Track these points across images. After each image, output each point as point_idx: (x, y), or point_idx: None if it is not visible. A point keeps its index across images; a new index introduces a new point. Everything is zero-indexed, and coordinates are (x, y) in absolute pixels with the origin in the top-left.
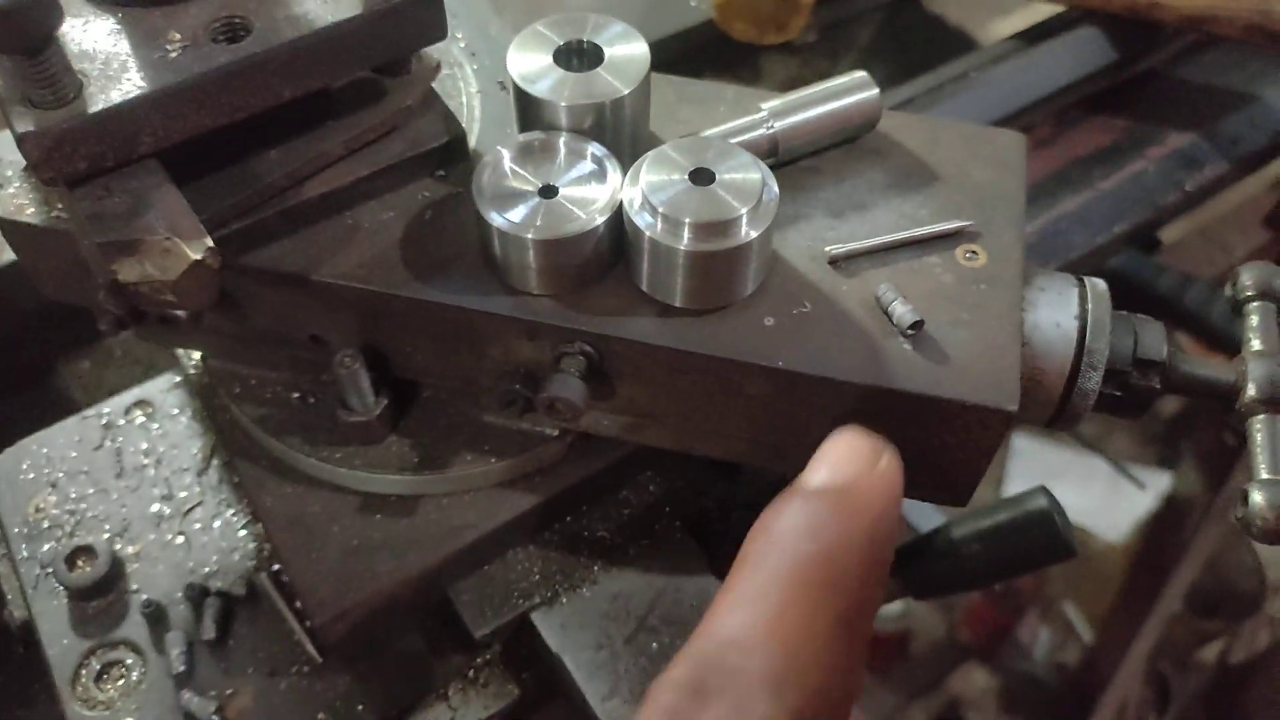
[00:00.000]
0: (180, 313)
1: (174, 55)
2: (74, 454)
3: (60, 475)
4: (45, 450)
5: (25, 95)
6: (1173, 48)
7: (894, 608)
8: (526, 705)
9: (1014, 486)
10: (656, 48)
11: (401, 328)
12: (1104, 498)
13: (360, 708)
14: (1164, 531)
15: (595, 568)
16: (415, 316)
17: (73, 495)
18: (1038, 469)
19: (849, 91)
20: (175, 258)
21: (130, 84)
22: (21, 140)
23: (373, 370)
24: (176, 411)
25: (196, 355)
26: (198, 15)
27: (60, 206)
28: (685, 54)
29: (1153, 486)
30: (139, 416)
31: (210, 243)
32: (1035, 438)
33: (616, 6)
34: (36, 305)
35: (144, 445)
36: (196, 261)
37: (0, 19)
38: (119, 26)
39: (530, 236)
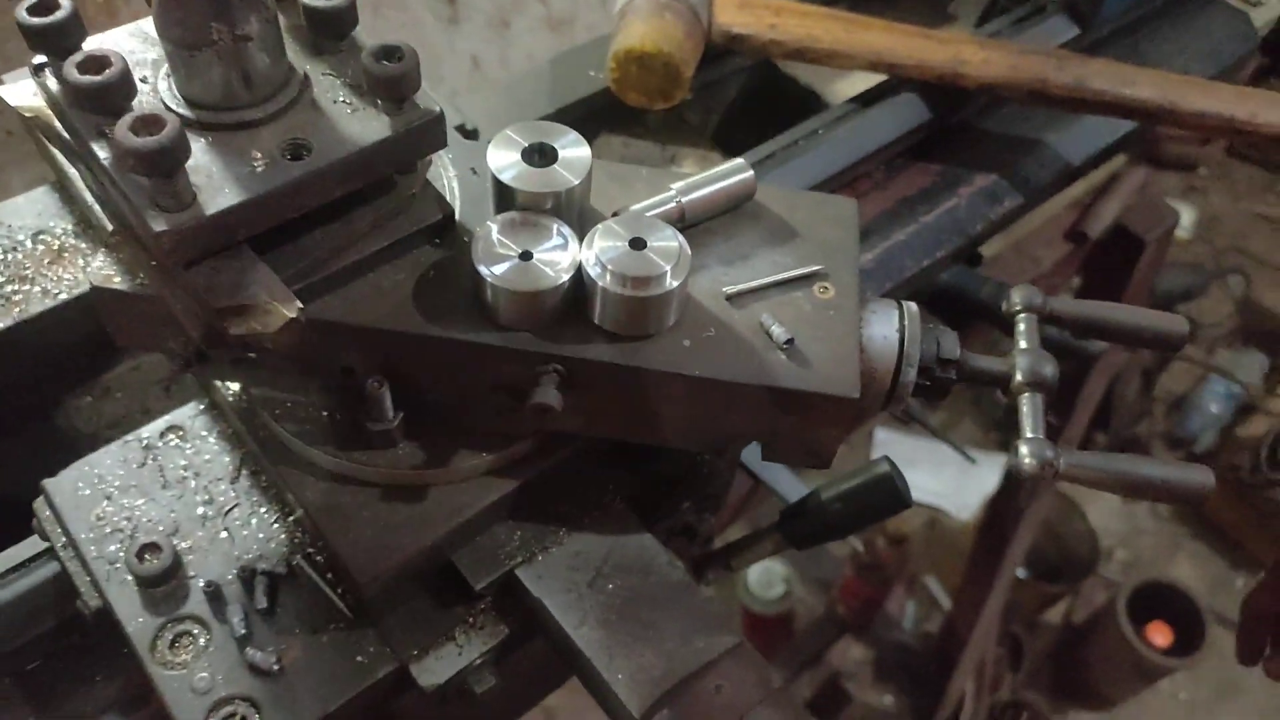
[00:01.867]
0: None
1: (259, 170)
2: (121, 472)
3: (113, 489)
4: (96, 471)
5: (156, 202)
6: (975, 106)
7: (778, 589)
8: (514, 642)
9: None
10: (565, 110)
11: (415, 358)
12: (956, 481)
13: (387, 650)
14: (1001, 504)
15: (560, 533)
16: (426, 349)
17: (126, 504)
18: (897, 457)
19: (733, 173)
20: (275, 316)
21: (231, 193)
22: (158, 237)
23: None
24: (205, 433)
25: (235, 386)
26: (270, 138)
27: (141, 276)
28: (589, 114)
29: (993, 467)
30: (173, 439)
31: (299, 304)
32: (893, 430)
33: (532, 77)
34: (41, 353)
35: (182, 461)
36: (291, 319)
37: (155, 155)
38: (213, 147)
39: (516, 289)
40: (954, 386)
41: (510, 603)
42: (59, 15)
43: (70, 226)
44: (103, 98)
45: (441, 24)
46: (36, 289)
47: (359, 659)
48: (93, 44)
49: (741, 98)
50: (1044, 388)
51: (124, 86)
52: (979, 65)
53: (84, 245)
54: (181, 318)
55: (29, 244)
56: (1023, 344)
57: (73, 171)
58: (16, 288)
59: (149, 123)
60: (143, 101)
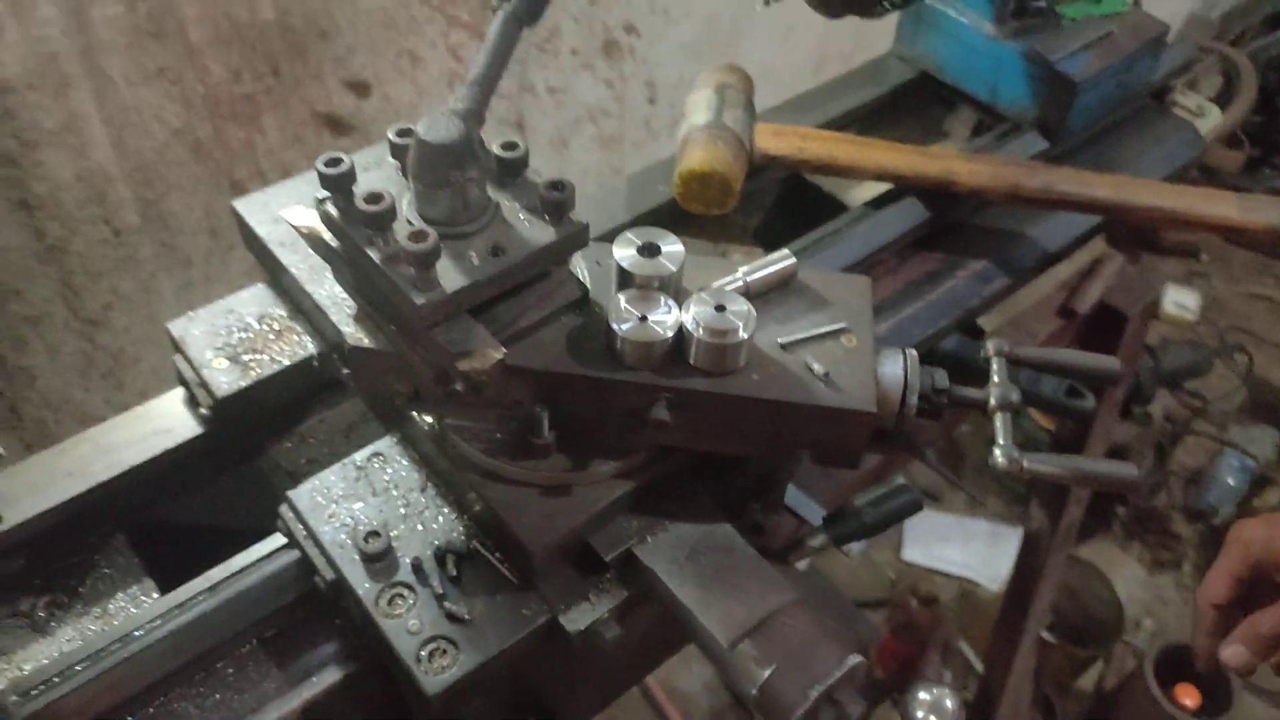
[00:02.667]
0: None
1: (476, 264)
2: (342, 484)
3: (338, 496)
4: (325, 484)
5: (416, 285)
6: (966, 207)
7: None
8: (632, 603)
9: (911, 550)
10: (640, 217)
11: (566, 391)
12: (984, 553)
13: (544, 606)
14: (1023, 565)
15: (665, 523)
16: (575, 384)
17: (348, 507)
18: (928, 533)
19: (781, 260)
20: (488, 358)
21: (461, 279)
22: (419, 308)
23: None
24: (399, 457)
25: (429, 419)
26: (480, 244)
27: (382, 335)
28: (659, 220)
29: (1019, 539)
30: (377, 462)
31: (504, 351)
32: (928, 510)
33: (608, 197)
34: (263, 407)
35: (385, 477)
36: (499, 360)
37: (424, 255)
38: (446, 247)
39: (638, 339)
40: (945, 411)
41: (630, 573)
42: (343, 168)
43: (284, 313)
44: (377, 220)
45: None
46: (265, 357)
47: (524, 612)
48: (363, 183)
49: (777, 204)
50: (1011, 408)
51: (391, 212)
52: (966, 175)
53: (297, 326)
54: (418, 366)
55: (256, 324)
56: (995, 379)
57: (293, 272)
58: (251, 357)
59: (419, 236)
60: (399, 222)
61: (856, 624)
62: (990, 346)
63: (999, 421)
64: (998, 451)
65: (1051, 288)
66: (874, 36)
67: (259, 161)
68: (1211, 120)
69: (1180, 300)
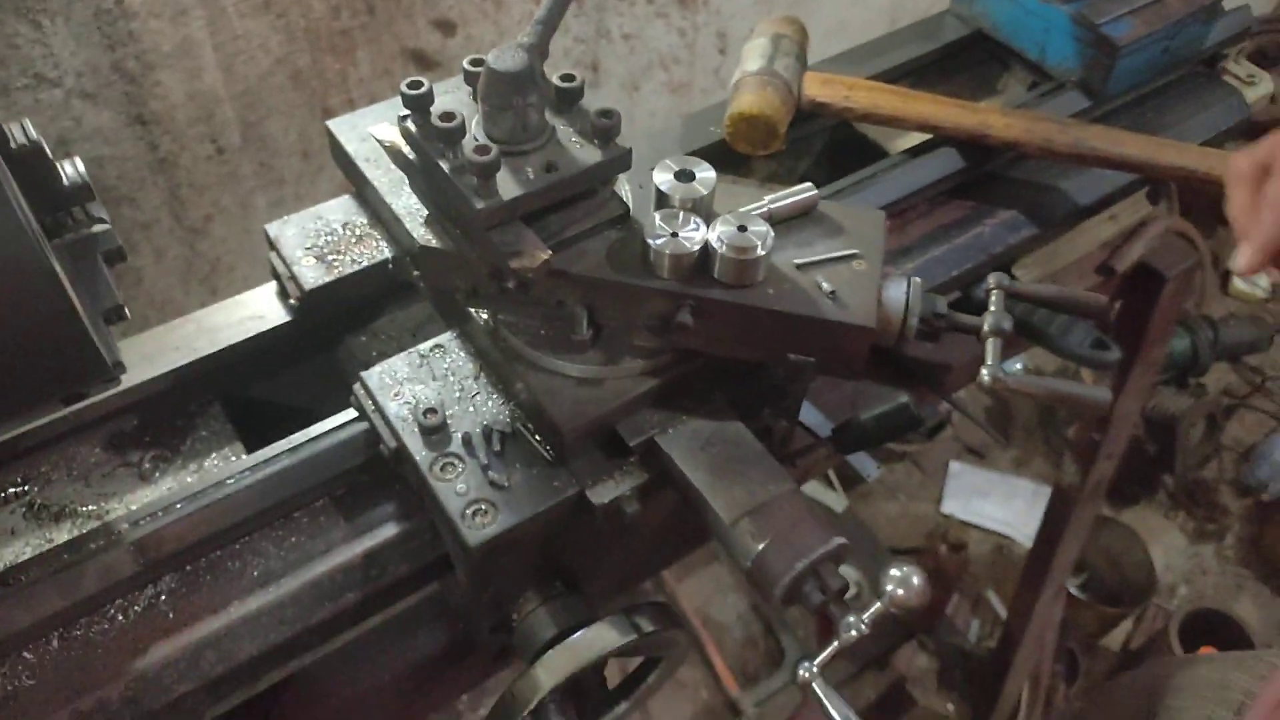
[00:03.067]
0: (523, 283)
1: (530, 178)
2: (407, 369)
3: (403, 379)
4: (392, 368)
5: (478, 193)
6: (1001, 160)
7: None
8: (651, 486)
9: (950, 503)
10: (691, 155)
11: (604, 295)
12: (1025, 511)
13: (573, 480)
14: (1051, 516)
15: (684, 418)
16: (612, 289)
17: (410, 388)
18: (969, 488)
19: (803, 191)
20: (536, 258)
21: (516, 189)
22: (479, 212)
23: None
24: (457, 349)
25: (484, 314)
26: (535, 161)
27: (449, 238)
28: (709, 158)
29: None
30: (437, 352)
31: (550, 253)
32: (967, 464)
33: (664, 134)
34: (342, 301)
35: (444, 365)
36: (545, 261)
37: (486, 166)
38: (506, 164)
39: (669, 252)
40: (942, 334)
41: (650, 459)
42: (423, 90)
43: (365, 221)
44: (448, 136)
45: (589, 88)
46: (347, 258)
47: (555, 484)
48: (439, 105)
49: (825, 149)
50: (1003, 335)
51: (461, 130)
52: (1001, 128)
53: (376, 233)
54: (476, 262)
55: (340, 230)
56: (991, 308)
57: (375, 184)
58: (335, 256)
59: (482, 150)
60: (467, 139)
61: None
62: (990, 280)
63: (990, 345)
64: (984, 371)
65: (1093, 246)
66: None
67: (350, 91)
68: (1262, 88)
69: (1252, 277)
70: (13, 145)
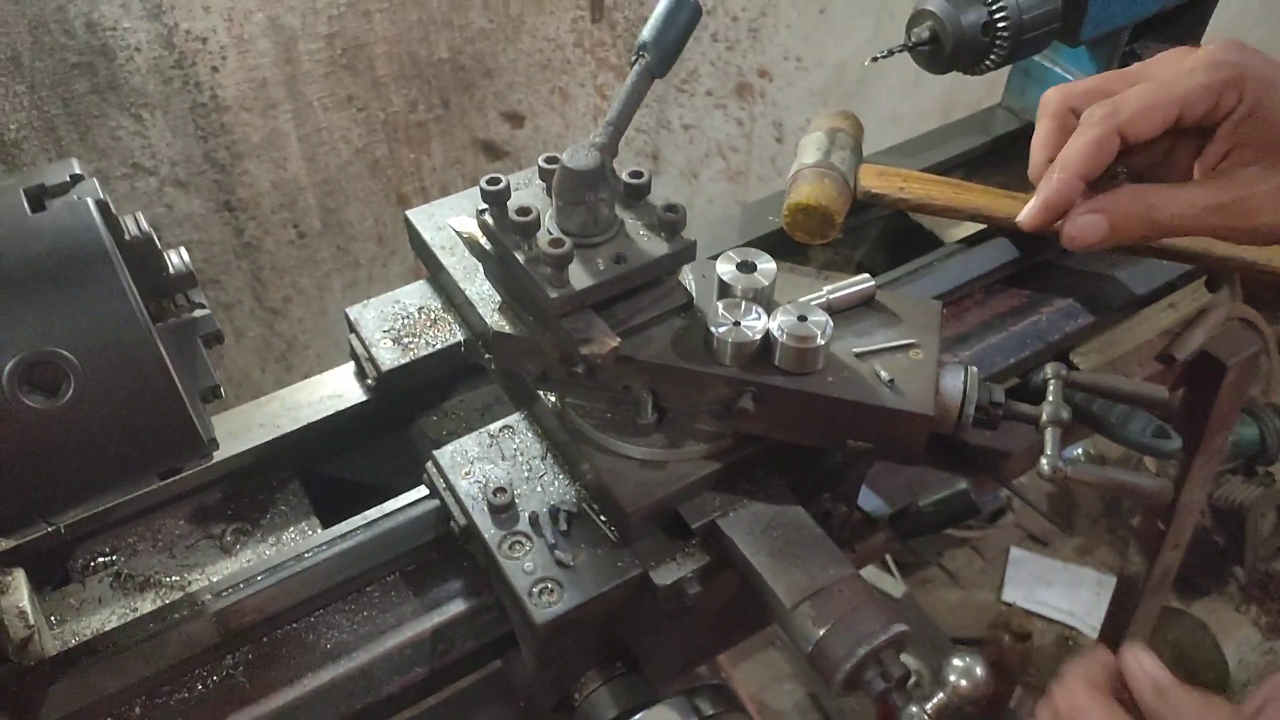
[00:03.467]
0: (591, 368)
1: (601, 269)
2: (477, 449)
3: (473, 459)
4: (463, 449)
5: (551, 283)
6: (1055, 249)
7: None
8: (712, 569)
9: (1012, 591)
10: (750, 243)
11: (669, 380)
12: (1090, 601)
13: (636, 561)
14: (1116, 607)
15: (744, 500)
16: (676, 375)
17: (480, 468)
18: (1032, 577)
19: (861, 282)
20: (607, 345)
21: (588, 279)
22: (553, 301)
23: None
24: (525, 430)
25: (553, 397)
26: (606, 253)
27: (521, 324)
28: (767, 247)
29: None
30: (507, 433)
31: (619, 340)
32: (1029, 551)
33: (723, 223)
34: (416, 382)
35: (512, 446)
36: (614, 348)
37: (560, 258)
38: (578, 254)
39: (731, 340)
40: (999, 422)
41: (711, 542)
42: (500, 186)
43: (439, 306)
44: (524, 228)
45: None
46: (422, 341)
47: (619, 564)
48: (515, 200)
49: (880, 238)
50: (1061, 425)
51: (536, 223)
52: None
53: (449, 317)
54: (547, 348)
55: (416, 314)
56: (1049, 397)
57: (450, 271)
58: (411, 339)
59: (557, 243)
60: (541, 231)
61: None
62: (1049, 369)
63: (1048, 435)
64: (1043, 460)
65: (1153, 334)
66: (1001, 85)
67: (423, 179)
68: None
69: None
70: (127, 236)
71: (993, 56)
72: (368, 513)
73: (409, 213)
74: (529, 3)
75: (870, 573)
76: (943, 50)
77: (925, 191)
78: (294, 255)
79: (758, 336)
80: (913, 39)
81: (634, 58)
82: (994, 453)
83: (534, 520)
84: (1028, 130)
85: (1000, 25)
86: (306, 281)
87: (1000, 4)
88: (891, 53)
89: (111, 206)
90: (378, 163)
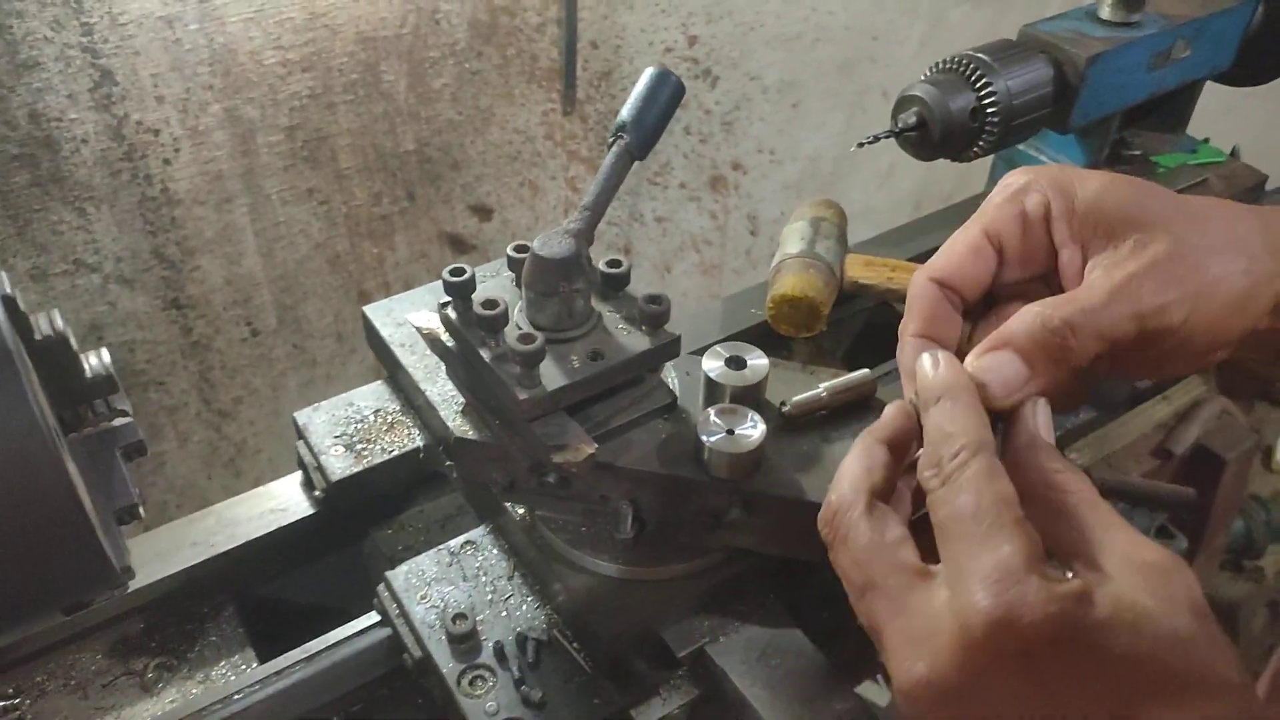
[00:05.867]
0: (565, 478)
1: (576, 366)
2: (435, 569)
3: (431, 579)
4: (420, 567)
5: (520, 383)
6: None
7: None
8: (701, 702)
9: None
10: (732, 337)
11: (651, 489)
12: None
13: (610, 696)
14: None
15: (737, 623)
16: (660, 483)
17: (439, 590)
18: None
19: (861, 379)
20: (581, 452)
21: (561, 378)
22: (521, 403)
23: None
24: (490, 546)
25: (522, 509)
26: (581, 348)
27: (487, 429)
28: (751, 339)
29: None
30: (469, 549)
31: (596, 446)
32: None
33: (704, 315)
34: (370, 493)
35: (475, 564)
36: (590, 454)
37: (530, 355)
38: (550, 350)
39: (727, 451)
40: None
41: (700, 671)
42: (465, 277)
43: (398, 408)
44: (492, 323)
45: None
46: (377, 447)
47: (595, 701)
48: (481, 292)
49: (866, 330)
50: None
51: (504, 317)
52: None
53: (408, 420)
54: (515, 455)
55: (372, 417)
56: None
57: (410, 370)
58: (365, 446)
59: (527, 338)
60: (509, 326)
61: None
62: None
63: None
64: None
65: (1147, 427)
66: (972, 177)
67: (386, 274)
68: None
69: None
70: (37, 336)
71: (981, 143)
72: (310, 644)
73: (366, 308)
74: (499, 95)
75: (867, 687)
76: (930, 136)
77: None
78: (246, 354)
79: (754, 447)
80: (899, 124)
81: (611, 139)
82: None
83: (498, 651)
84: None
85: (990, 111)
86: (259, 381)
87: (990, 89)
88: (878, 138)
89: (19, 302)
90: (338, 257)
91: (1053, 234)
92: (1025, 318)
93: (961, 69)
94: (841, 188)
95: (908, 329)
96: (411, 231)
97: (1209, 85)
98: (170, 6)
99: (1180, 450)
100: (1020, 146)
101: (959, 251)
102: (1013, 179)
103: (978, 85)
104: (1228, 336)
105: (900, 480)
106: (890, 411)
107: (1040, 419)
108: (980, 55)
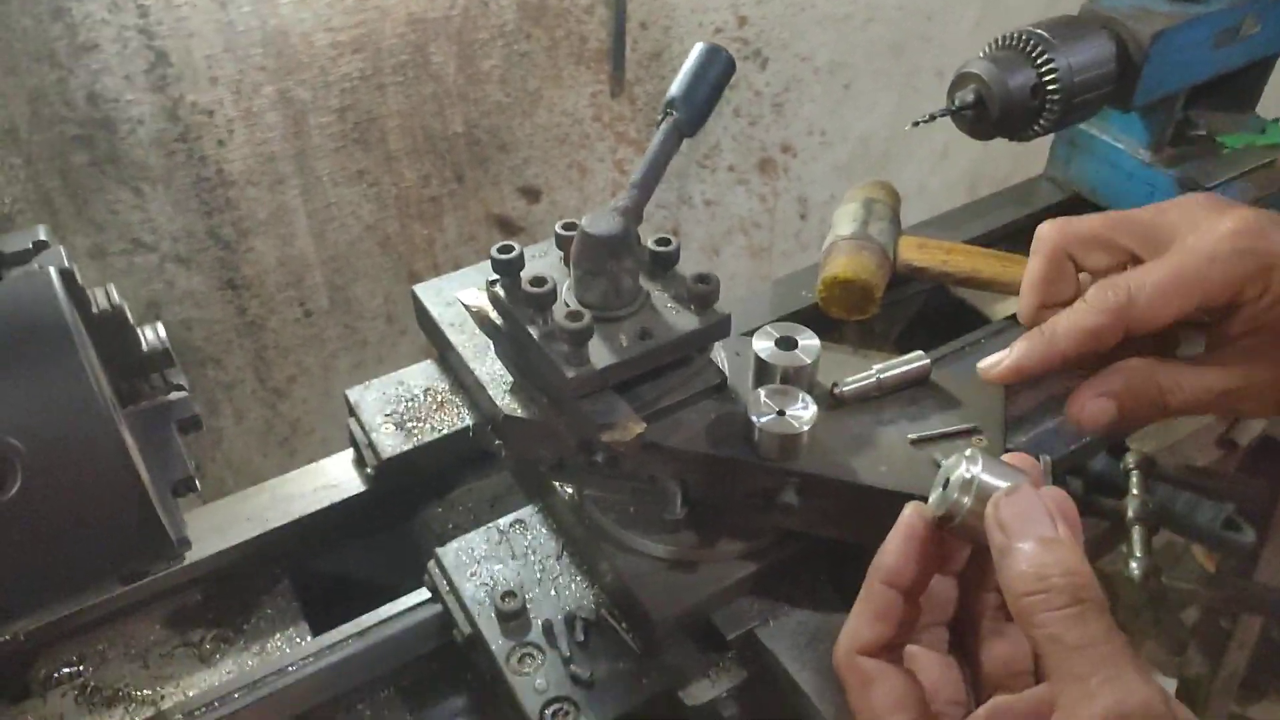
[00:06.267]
0: (614, 457)
1: (624, 345)
2: (485, 546)
3: (481, 557)
4: (470, 544)
5: (569, 360)
6: None
7: None
8: (749, 685)
9: None
10: (782, 320)
11: (701, 470)
12: None
13: (659, 676)
14: None
15: (787, 607)
16: (710, 464)
17: (489, 568)
18: None
19: (915, 360)
20: (629, 430)
21: (609, 357)
22: (569, 380)
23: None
24: (539, 525)
25: (570, 489)
26: (630, 327)
27: (535, 407)
28: (801, 322)
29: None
30: (518, 528)
31: (644, 425)
32: None
33: (753, 298)
34: (421, 471)
35: (524, 542)
36: (639, 433)
37: (578, 333)
38: (599, 330)
39: (776, 432)
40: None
41: (749, 654)
42: (513, 255)
43: (447, 387)
44: (540, 301)
45: None
46: (427, 425)
47: (644, 680)
48: (529, 270)
49: (920, 314)
50: (1149, 522)
51: (552, 294)
52: None
53: (458, 399)
54: (564, 433)
55: (421, 396)
56: (1134, 490)
57: (460, 349)
58: (415, 424)
59: (575, 316)
60: (558, 304)
61: None
62: (1131, 458)
63: (1136, 534)
64: (1134, 564)
65: (1212, 417)
66: (1029, 159)
67: (436, 255)
68: None
69: None
70: (95, 310)
71: (1042, 121)
72: (362, 618)
73: (416, 287)
74: (547, 77)
75: None
76: (988, 114)
77: (971, 265)
78: (299, 334)
79: (805, 428)
80: (956, 102)
81: (660, 116)
82: None
83: (548, 629)
84: (1074, 202)
85: (1050, 88)
86: (312, 361)
87: (1051, 65)
88: (934, 117)
89: (78, 276)
90: (388, 239)
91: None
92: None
93: (1021, 45)
94: (894, 169)
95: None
96: (460, 213)
97: None
98: None
99: (1245, 441)
100: (1081, 126)
101: (1166, 299)
102: (1249, 258)
103: (1039, 62)
104: None
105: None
106: (898, 533)
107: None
108: (1040, 31)
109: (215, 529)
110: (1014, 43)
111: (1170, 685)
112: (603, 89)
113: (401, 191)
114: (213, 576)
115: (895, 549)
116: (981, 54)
